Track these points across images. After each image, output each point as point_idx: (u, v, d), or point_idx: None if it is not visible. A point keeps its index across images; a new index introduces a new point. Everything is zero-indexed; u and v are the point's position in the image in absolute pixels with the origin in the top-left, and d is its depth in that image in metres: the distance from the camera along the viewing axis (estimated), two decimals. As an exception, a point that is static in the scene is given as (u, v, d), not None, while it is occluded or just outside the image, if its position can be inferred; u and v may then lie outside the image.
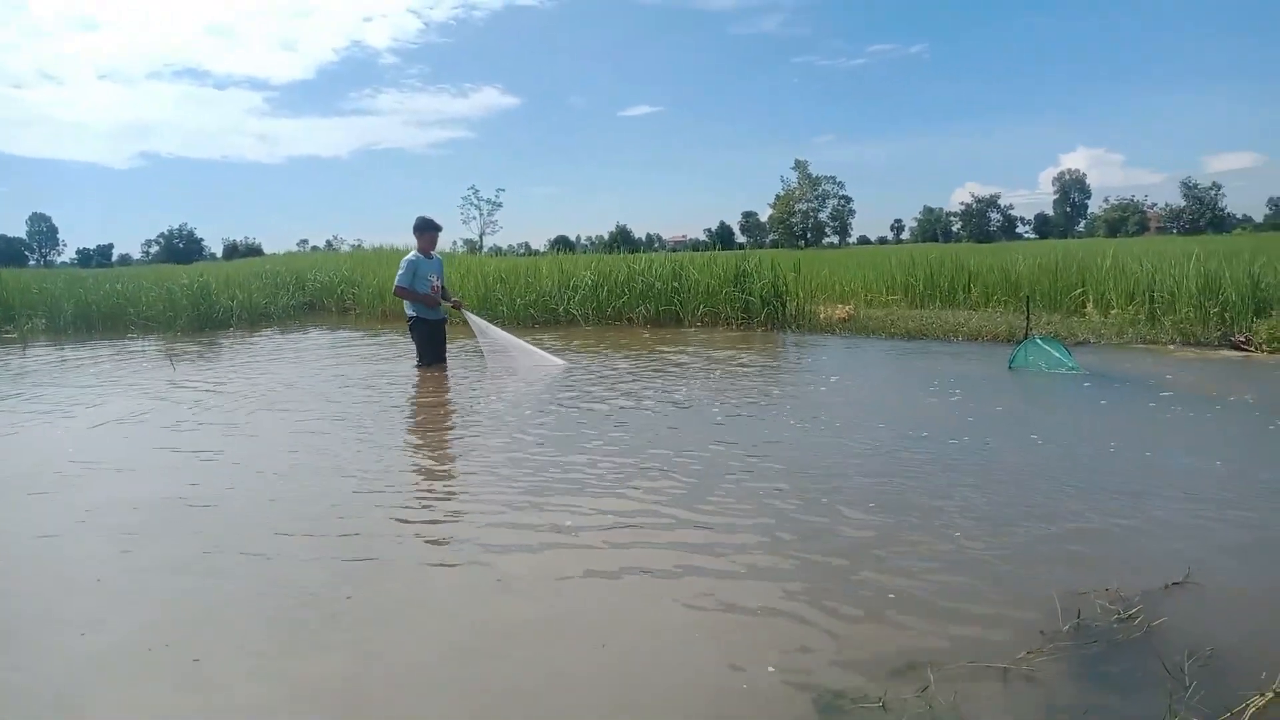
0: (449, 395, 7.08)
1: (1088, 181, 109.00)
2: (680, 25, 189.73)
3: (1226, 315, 9.12)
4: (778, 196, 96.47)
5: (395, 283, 8.21)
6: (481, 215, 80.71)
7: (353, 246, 35.69)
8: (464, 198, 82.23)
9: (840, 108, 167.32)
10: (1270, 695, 2.17)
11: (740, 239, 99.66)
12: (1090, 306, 10.88)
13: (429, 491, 4.36)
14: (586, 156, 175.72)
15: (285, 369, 8.95)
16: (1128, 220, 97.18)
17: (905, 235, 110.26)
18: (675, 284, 12.82)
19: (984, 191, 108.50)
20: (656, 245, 79.77)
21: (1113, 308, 10.52)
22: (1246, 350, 8.32)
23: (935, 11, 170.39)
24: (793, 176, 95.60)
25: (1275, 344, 8.25)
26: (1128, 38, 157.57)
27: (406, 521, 3.81)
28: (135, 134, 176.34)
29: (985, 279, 12.54)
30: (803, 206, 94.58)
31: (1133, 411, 5.77)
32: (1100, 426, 5.37)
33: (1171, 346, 8.79)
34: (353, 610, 2.90)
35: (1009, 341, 9.04)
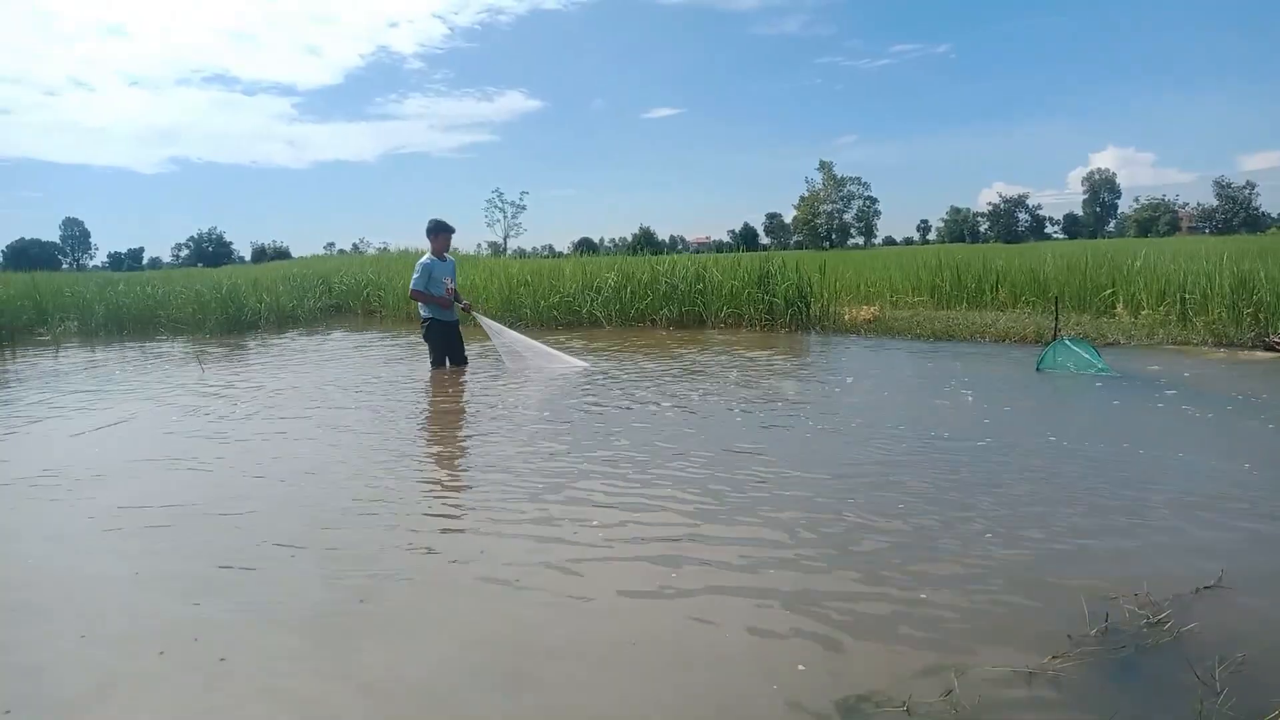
0: (468, 398, 7.10)
1: (1118, 181, 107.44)
2: (702, 27, 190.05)
3: (1260, 316, 8.94)
4: (802, 198, 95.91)
5: (410, 286, 8.27)
6: (505, 218, 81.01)
7: (379, 250, 36.01)
8: (488, 200, 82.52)
9: (865, 108, 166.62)
10: (1305, 702, 2.13)
11: (764, 240, 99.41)
12: (1120, 307, 10.71)
13: (446, 498, 4.35)
14: (609, 159, 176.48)
15: (309, 371, 9.04)
16: (1158, 220, 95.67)
17: (932, 236, 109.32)
18: (698, 285, 12.78)
19: (1012, 191, 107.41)
20: (680, 247, 79.74)
21: (1143, 308, 10.36)
22: (1281, 351, 8.16)
23: (960, 10, 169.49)
24: (817, 177, 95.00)
25: (1311, 345, 8.08)
26: (1159, 35, 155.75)
27: (419, 531, 3.79)
28: (165, 139, 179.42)
29: (1013, 279, 12.40)
30: (827, 208, 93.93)
31: (1162, 414, 5.67)
32: (1129, 429, 5.29)
33: (1204, 348, 8.64)
34: (370, 619, 2.90)
35: (1037, 343, 8.94)
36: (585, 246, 50.66)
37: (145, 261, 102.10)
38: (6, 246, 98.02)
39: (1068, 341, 7.65)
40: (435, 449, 5.45)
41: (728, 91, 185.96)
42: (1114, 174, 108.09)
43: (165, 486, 4.56)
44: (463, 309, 8.45)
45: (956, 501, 3.86)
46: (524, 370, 8.29)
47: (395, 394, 7.29)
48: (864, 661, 2.46)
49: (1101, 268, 11.89)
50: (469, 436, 5.63)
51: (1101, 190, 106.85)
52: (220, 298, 15.09)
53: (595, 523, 3.71)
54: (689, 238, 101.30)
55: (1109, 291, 11.10)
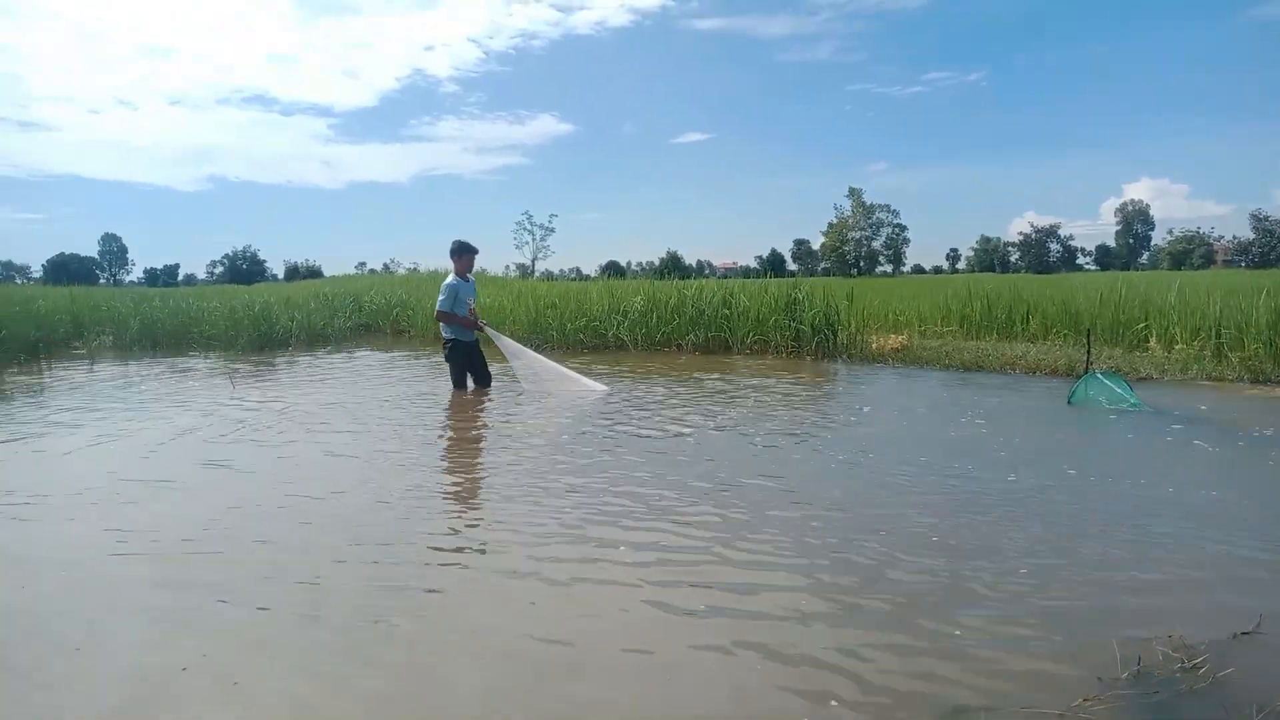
0: (488, 420, 7.11)
1: (1151, 212, 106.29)
2: (733, 53, 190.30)
3: (1299, 353, 8.76)
4: (831, 224, 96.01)
5: (437, 307, 8.34)
6: (534, 240, 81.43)
7: (409, 270, 36.39)
8: (517, 223, 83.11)
9: (895, 135, 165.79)
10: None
11: (792, 267, 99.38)
12: (1154, 341, 10.55)
13: (466, 520, 4.35)
14: (638, 182, 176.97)
15: (337, 389, 9.11)
16: (1193, 253, 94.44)
17: (961, 265, 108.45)
18: (725, 311, 12.79)
19: (1043, 221, 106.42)
20: (707, 272, 79.83)
21: (1177, 343, 10.19)
22: (1321, 389, 7.98)
23: (993, 39, 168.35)
24: (846, 204, 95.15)
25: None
26: (1194, 65, 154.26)
27: (441, 550, 3.79)
28: (204, 158, 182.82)
29: (1044, 310, 12.26)
30: (856, 235, 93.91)
31: (1197, 452, 5.56)
32: (1163, 467, 5.20)
33: (1239, 384, 8.48)
34: (389, 639, 2.90)
35: (1068, 376, 8.83)
36: (612, 270, 50.91)
37: (180, 278, 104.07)
38: (47, 261, 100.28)
39: (1100, 375, 7.54)
40: (454, 472, 5.46)
41: (757, 117, 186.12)
42: (1148, 205, 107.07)
43: (186, 502, 4.61)
44: (477, 326, 8.51)
45: (985, 538, 3.81)
46: (542, 392, 8.31)
47: (418, 414, 7.34)
48: (891, 701, 2.41)
49: (1134, 300, 11.73)
50: (487, 460, 5.63)
51: (1135, 221, 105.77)
52: (253, 315, 15.30)
53: (617, 550, 3.69)
54: (716, 262, 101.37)
55: (1142, 325, 10.94)
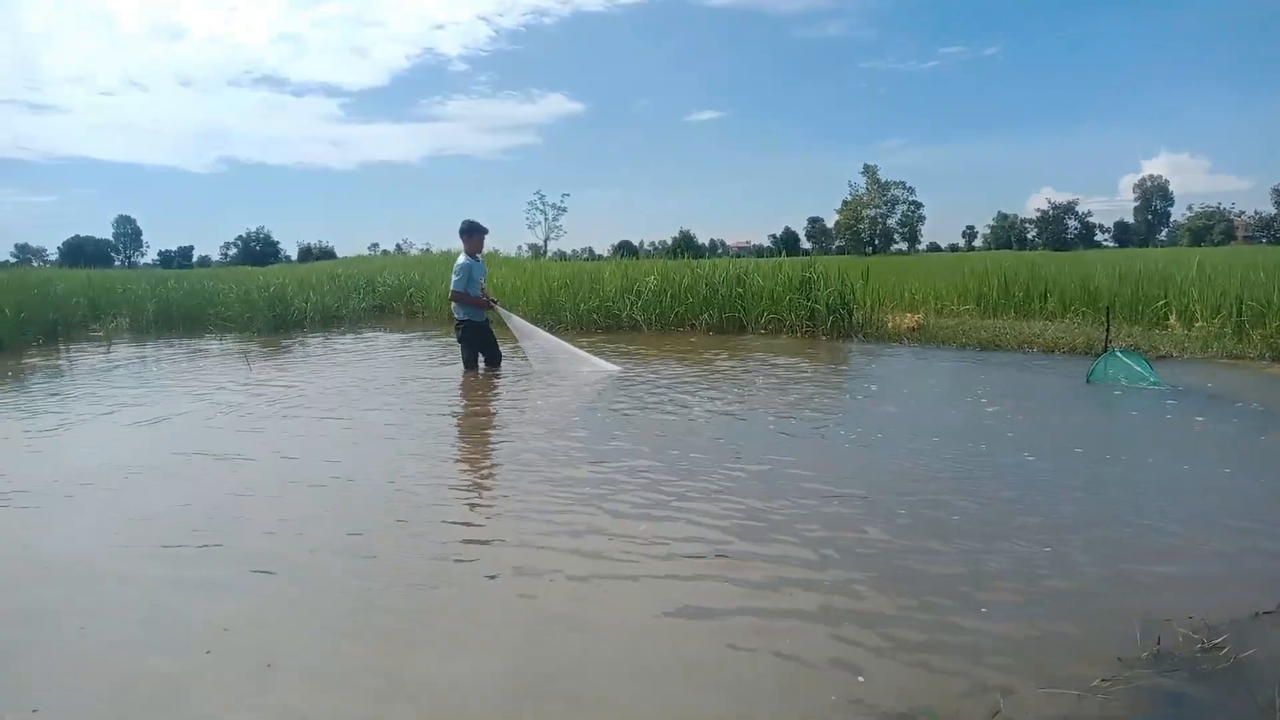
0: (501, 401, 7.13)
1: (1171, 188, 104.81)
2: (746, 30, 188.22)
3: (1322, 330, 8.64)
4: (845, 202, 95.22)
5: (452, 287, 8.33)
6: (546, 220, 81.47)
7: (421, 250, 36.39)
8: (529, 203, 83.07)
9: (910, 112, 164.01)
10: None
11: (806, 245, 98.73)
12: (1173, 319, 10.43)
13: (475, 508, 4.30)
14: (651, 162, 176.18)
15: (351, 372, 9.15)
16: (1213, 229, 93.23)
17: (978, 242, 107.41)
18: (739, 290, 12.72)
19: (1061, 198, 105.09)
20: (720, 251, 79.71)
21: (1197, 320, 10.07)
22: (1344, 367, 7.88)
23: (1009, 12, 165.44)
24: (861, 182, 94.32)
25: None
26: (1215, 37, 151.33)
27: (449, 541, 3.75)
28: (215, 139, 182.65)
29: (1062, 288, 12.13)
30: (871, 213, 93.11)
31: (1216, 431, 5.50)
32: (1182, 446, 5.15)
33: (1260, 362, 8.38)
34: (394, 631, 2.90)
35: (1087, 354, 8.75)
36: (625, 250, 50.79)
37: (195, 259, 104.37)
38: (63, 243, 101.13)
39: (1119, 353, 7.47)
40: (463, 458, 5.48)
41: (770, 95, 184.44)
42: (1167, 181, 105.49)
43: (200, 486, 4.64)
44: (489, 306, 8.54)
45: (1002, 519, 3.79)
46: (554, 373, 8.32)
47: (431, 396, 7.36)
48: (909, 680, 2.41)
49: (1153, 277, 11.60)
50: (497, 444, 5.63)
51: (1154, 197, 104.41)
52: (268, 297, 15.37)
53: (629, 535, 3.68)
54: (729, 241, 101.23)
55: (1161, 302, 10.81)
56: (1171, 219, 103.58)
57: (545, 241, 78.24)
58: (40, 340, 13.10)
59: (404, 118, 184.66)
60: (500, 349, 8.69)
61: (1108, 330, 8.83)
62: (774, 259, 14.36)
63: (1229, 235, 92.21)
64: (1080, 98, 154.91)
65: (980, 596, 2.94)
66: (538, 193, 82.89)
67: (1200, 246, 65.47)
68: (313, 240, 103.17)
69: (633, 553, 3.44)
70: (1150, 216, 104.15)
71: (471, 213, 8.68)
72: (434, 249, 31.02)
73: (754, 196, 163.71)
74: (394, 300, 18.24)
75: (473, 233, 8.45)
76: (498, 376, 8.21)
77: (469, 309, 8.34)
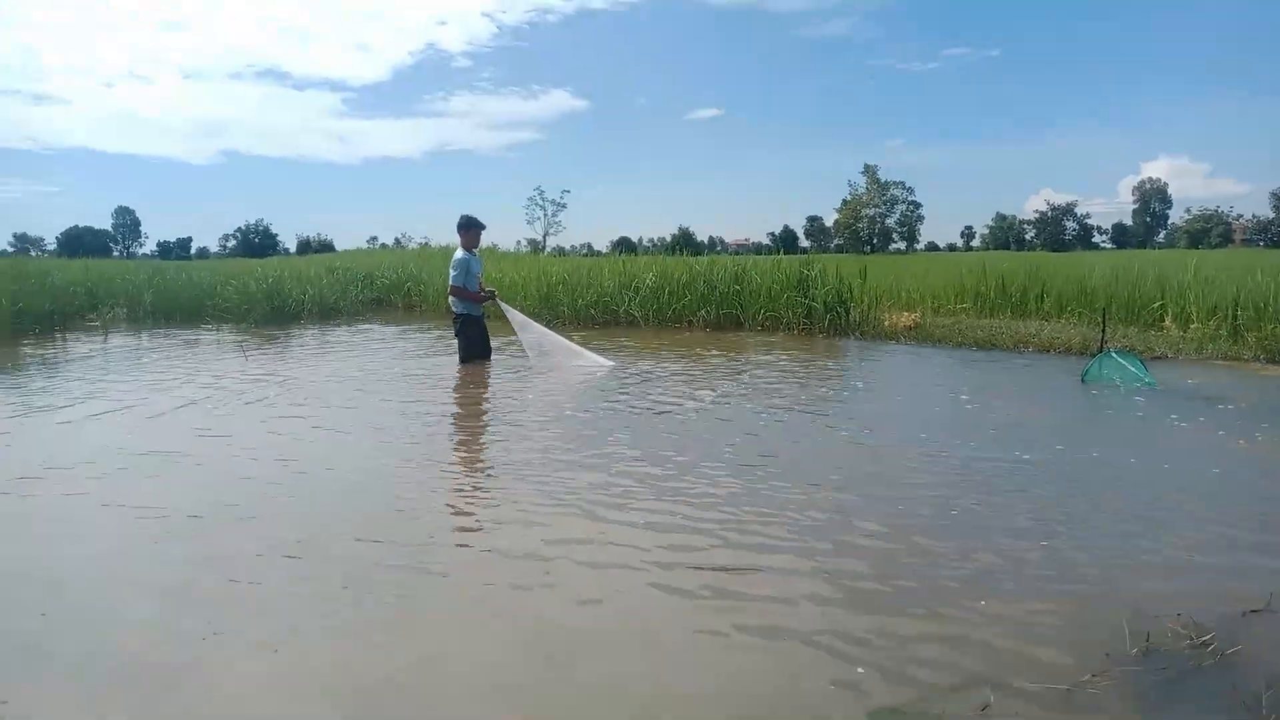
0: (497, 396, 7.14)
1: (1169, 191, 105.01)
2: (749, 28, 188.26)
3: (1317, 332, 8.67)
4: (845, 201, 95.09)
5: (451, 282, 8.34)
6: (546, 216, 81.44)
7: (420, 244, 36.30)
8: (529, 198, 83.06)
9: (912, 112, 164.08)
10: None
11: (804, 243, 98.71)
12: (1169, 320, 10.47)
13: (470, 500, 4.29)
14: (651, 158, 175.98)
15: (348, 364, 9.15)
16: (1211, 232, 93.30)
17: (976, 242, 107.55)
18: (737, 287, 12.74)
19: (1060, 199, 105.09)
20: (719, 248, 79.67)
21: (1193, 322, 10.10)
22: (1338, 370, 7.90)
23: (1012, 15, 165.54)
24: (861, 181, 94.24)
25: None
26: (1214, 42, 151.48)
27: (443, 530, 3.82)
28: (216, 131, 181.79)
29: (1059, 289, 12.15)
30: (870, 212, 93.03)
31: (1210, 432, 5.52)
32: (1174, 447, 5.18)
33: (1255, 364, 8.41)
34: (391, 620, 2.91)
35: (1082, 354, 8.77)
36: (624, 246, 50.75)
37: (193, 251, 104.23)
38: (61, 233, 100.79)
39: (1114, 354, 7.49)
40: (459, 450, 5.48)
41: (772, 93, 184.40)
42: (1165, 184, 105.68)
43: (195, 477, 4.65)
44: (488, 298, 8.59)
45: (993, 517, 3.81)
46: (549, 367, 8.36)
47: (426, 390, 7.38)
48: (898, 674, 2.42)
49: (1150, 279, 11.62)
50: (492, 438, 5.63)
51: (1152, 200, 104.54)
52: (266, 289, 15.35)
53: (621, 531, 3.69)
54: (728, 239, 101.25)
55: (1158, 304, 10.84)
56: (1170, 221, 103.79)
57: (544, 237, 78.25)
58: (37, 330, 13.10)
59: (406, 113, 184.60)
60: (490, 343, 8.73)
61: (1104, 331, 8.85)
62: (772, 256, 14.36)
63: (1227, 238, 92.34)
64: (1081, 101, 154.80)
65: (970, 592, 2.96)
66: (538, 188, 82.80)
67: (1198, 249, 65.58)
68: (312, 234, 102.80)
69: (622, 544, 3.45)
70: (1148, 219, 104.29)
71: (473, 209, 8.70)
72: (433, 243, 30.91)
73: (753, 194, 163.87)
74: (392, 293, 18.23)
75: (470, 228, 8.47)
76: (487, 369, 8.26)
77: (467, 304, 8.35)
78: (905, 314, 11.80)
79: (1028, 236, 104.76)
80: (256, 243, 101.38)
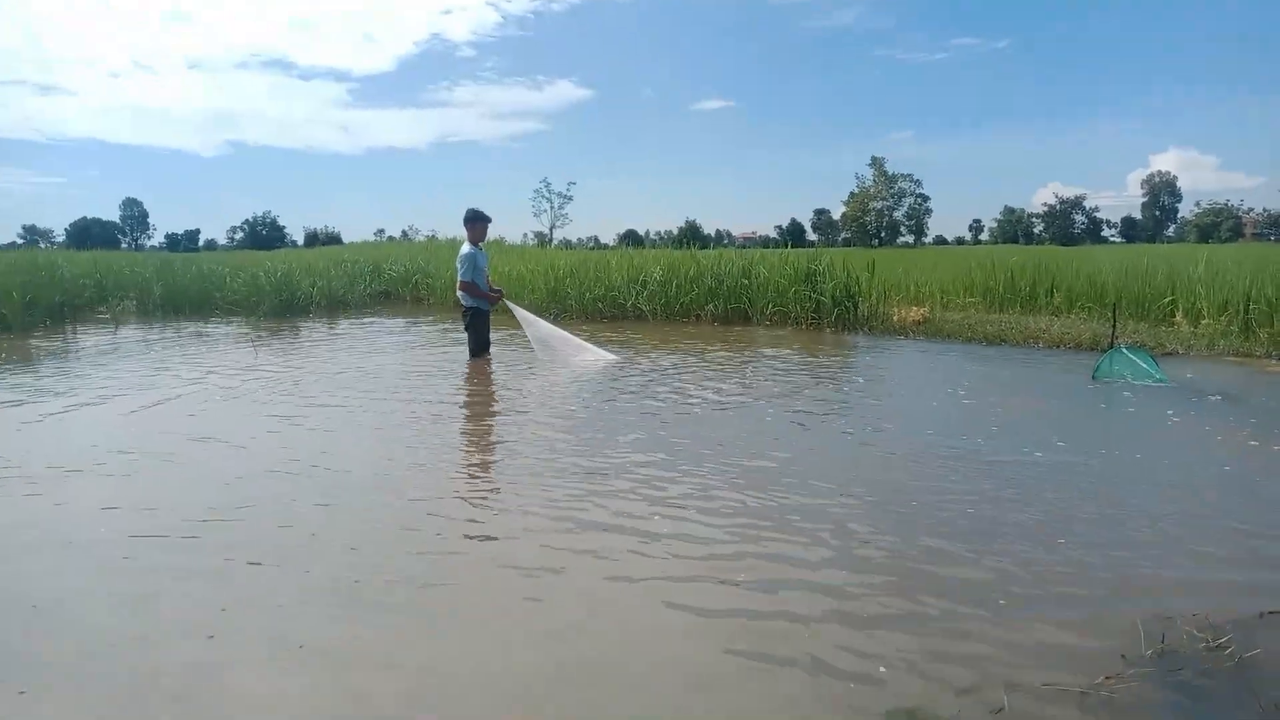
0: (507, 392, 7.13)
1: (1179, 184, 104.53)
2: (755, 18, 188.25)
3: (1329, 329, 8.61)
4: (852, 194, 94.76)
5: (461, 277, 8.34)
6: (552, 208, 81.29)
7: (427, 237, 36.30)
8: (535, 190, 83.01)
9: (920, 104, 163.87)
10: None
11: (811, 237, 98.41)
12: (1179, 316, 10.40)
13: (474, 505, 4.22)
14: (657, 150, 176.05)
15: (356, 358, 9.17)
16: (1221, 225, 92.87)
17: (984, 236, 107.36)
18: (744, 281, 12.71)
19: (1068, 192, 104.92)
20: (726, 242, 79.28)
21: (1204, 318, 10.04)
22: (1351, 366, 7.85)
23: (1021, 6, 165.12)
24: (868, 174, 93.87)
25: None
26: (1223, 35, 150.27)
27: (448, 537, 3.77)
28: (223, 122, 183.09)
29: (1069, 283, 12.09)
30: (877, 205, 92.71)
31: (1223, 430, 5.48)
32: (1187, 445, 5.15)
33: (1267, 360, 8.35)
34: (394, 630, 2.90)
35: (1093, 350, 8.73)
36: (631, 239, 50.59)
37: (201, 243, 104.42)
38: (70, 225, 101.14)
39: (1125, 350, 7.45)
40: (465, 450, 5.47)
41: (779, 84, 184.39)
42: (1175, 177, 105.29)
43: (201, 471, 4.67)
44: (498, 299, 8.65)
45: (1006, 515, 3.79)
46: (555, 361, 8.40)
47: (434, 385, 7.39)
48: (911, 676, 2.41)
49: (1160, 274, 11.55)
50: (499, 437, 5.63)
51: (1161, 193, 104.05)
52: (275, 282, 15.38)
53: (629, 538, 3.68)
54: (735, 232, 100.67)
55: (1168, 299, 10.77)
56: (1179, 215, 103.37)
57: (551, 229, 78.11)
58: (47, 322, 13.14)
59: (411, 103, 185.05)
60: (495, 336, 8.80)
61: (1114, 326, 8.79)
62: (780, 250, 14.31)
63: (1237, 232, 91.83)
64: (1090, 93, 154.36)
65: (984, 592, 2.95)
66: (544, 180, 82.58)
67: (1208, 243, 65.20)
68: (319, 225, 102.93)
69: (637, 550, 3.45)
70: (1158, 212, 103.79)
71: (478, 200, 8.67)
72: (440, 235, 30.91)
73: (760, 187, 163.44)
74: (400, 286, 18.23)
75: (476, 221, 8.49)
76: (489, 362, 8.33)
77: (476, 298, 8.37)
78: (914, 308, 11.76)
79: (1036, 230, 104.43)
80: (264, 234, 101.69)
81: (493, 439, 5.50)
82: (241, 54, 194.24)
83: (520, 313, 8.91)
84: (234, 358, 9.09)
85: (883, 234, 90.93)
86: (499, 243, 22.92)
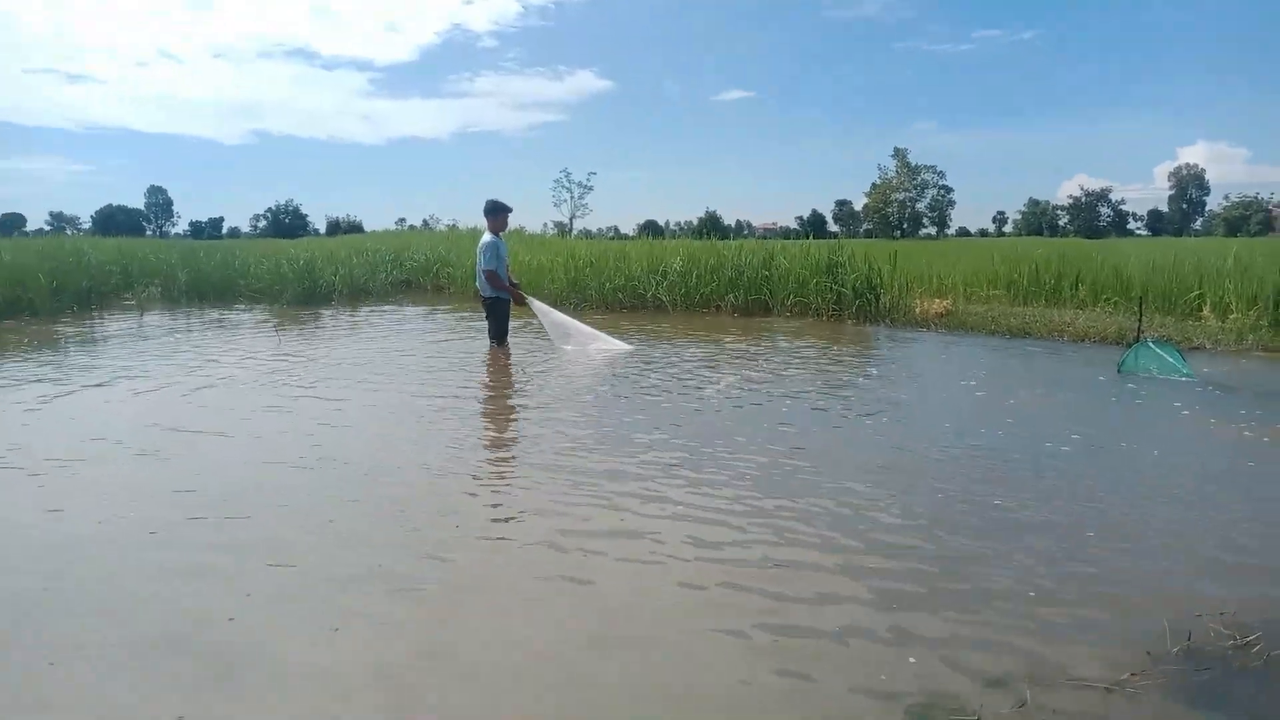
0: (528, 382, 7.17)
1: (1207, 177, 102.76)
2: (778, 8, 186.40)
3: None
4: (874, 185, 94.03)
5: (484, 266, 8.37)
6: (572, 198, 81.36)
7: (448, 226, 36.41)
8: (556, 180, 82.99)
9: (944, 95, 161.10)
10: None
11: (833, 228, 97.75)
12: (1207, 310, 10.25)
13: (493, 492, 4.26)
14: (678, 141, 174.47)
15: (377, 346, 9.26)
16: (1250, 219, 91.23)
17: (1008, 228, 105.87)
18: (765, 272, 12.65)
19: (1094, 185, 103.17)
20: (746, 232, 79.15)
21: (1232, 311, 9.88)
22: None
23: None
24: (890, 165, 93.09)
25: None
26: (1254, 27, 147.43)
27: (467, 525, 3.82)
28: (247, 111, 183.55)
29: (1094, 276, 11.94)
30: (900, 196, 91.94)
31: (1251, 425, 5.41)
32: (1213, 440, 5.09)
33: (1297, 356, 8.23)
34: (411, 616, 2.92)
35: (1118, 344, 8.63)
36: (650, 229, 50.50)
37: (225, 231, 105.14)
38: (95, 212, 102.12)
39: (1151, 344, 7.36)
40: (484, 439, 5.52)
41: (801, 75, 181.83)
42: (1203, 169, 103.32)
43: (224, 458, 4.72)
44: (519, 295, 8.71)
45: (1033, 509, 3.77)
46: (571, 350, 8.47)
47: (453, 373, 7.45)
48: (934, 671, 2.41)
49: (1188, 267, 11.38)
50: (518, 427, 5.65)
51: (1189, 186, 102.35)
52: (298, 270, 15.47)
53: (646, 526, 3.70)
54: (756, 223, 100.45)
55: (1195, 293, 10.60)
56: (1207, 208, 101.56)
57: (571, 219, 78.16)
58: (74, 308, 13.31)
59: (433, 93, 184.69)
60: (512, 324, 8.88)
61: (1140, 320, 8.69)
62: (801, 241, 14.23)
63: (1267, 226, 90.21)
64: (1117, 84, 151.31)
65: (1007, 588, 2.93)
66: (564, 170, 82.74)
67: (1236, 237, 64.17)
68: (341, 214, 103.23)
69: (658, 545, 3.45)
70: (1185, 205, 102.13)
71: (498, 189, 8.68)
72: (461, 225, 30.97)
73: (781, 178, 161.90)
74: (421, 275, 18.28)
75: (497, 212, 8.53)
76: (507, 353, 8.37)
77: (498, 289, 8.40)
78: (936, 301, 11.66)
79: (1061, 222, 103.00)
80: (287, 223, 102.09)
81: (515, 433, 5.51)
82: (265, 43, 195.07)
83: (535, 304, 8.97)
84: (260, 344, 9.18)
85: (905, 225, 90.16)
86: (519, 232, 22.93)
